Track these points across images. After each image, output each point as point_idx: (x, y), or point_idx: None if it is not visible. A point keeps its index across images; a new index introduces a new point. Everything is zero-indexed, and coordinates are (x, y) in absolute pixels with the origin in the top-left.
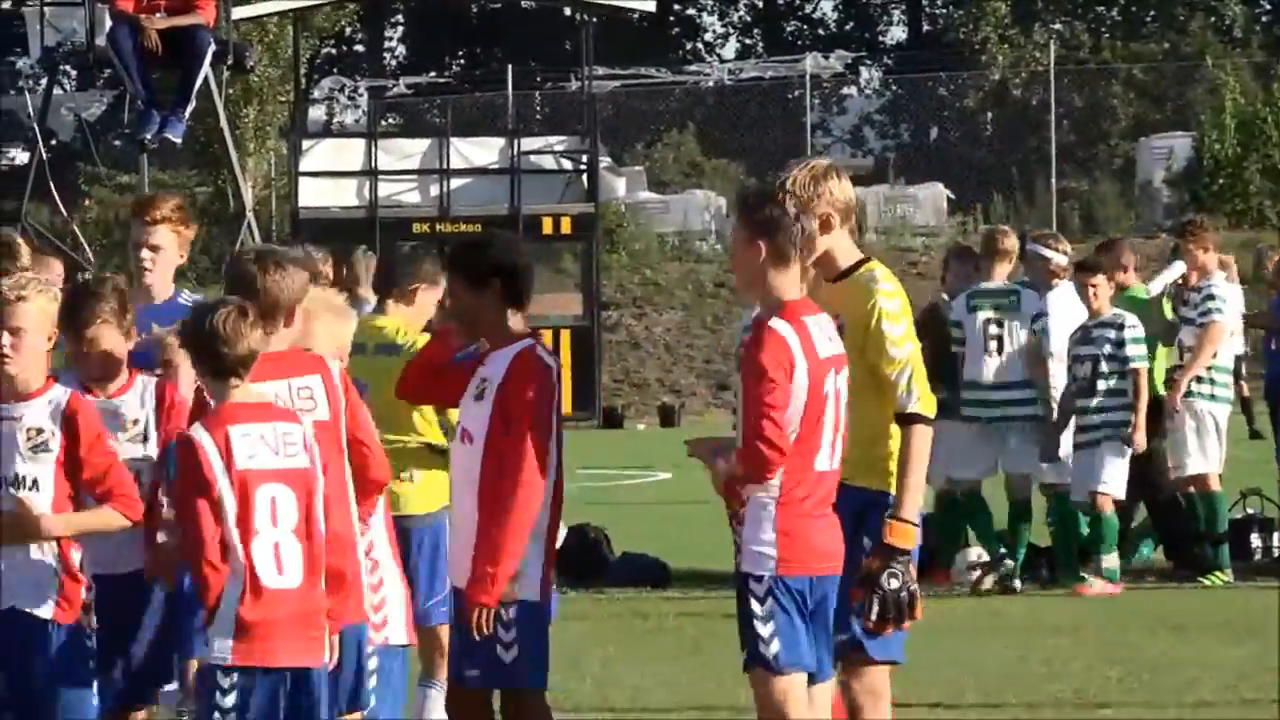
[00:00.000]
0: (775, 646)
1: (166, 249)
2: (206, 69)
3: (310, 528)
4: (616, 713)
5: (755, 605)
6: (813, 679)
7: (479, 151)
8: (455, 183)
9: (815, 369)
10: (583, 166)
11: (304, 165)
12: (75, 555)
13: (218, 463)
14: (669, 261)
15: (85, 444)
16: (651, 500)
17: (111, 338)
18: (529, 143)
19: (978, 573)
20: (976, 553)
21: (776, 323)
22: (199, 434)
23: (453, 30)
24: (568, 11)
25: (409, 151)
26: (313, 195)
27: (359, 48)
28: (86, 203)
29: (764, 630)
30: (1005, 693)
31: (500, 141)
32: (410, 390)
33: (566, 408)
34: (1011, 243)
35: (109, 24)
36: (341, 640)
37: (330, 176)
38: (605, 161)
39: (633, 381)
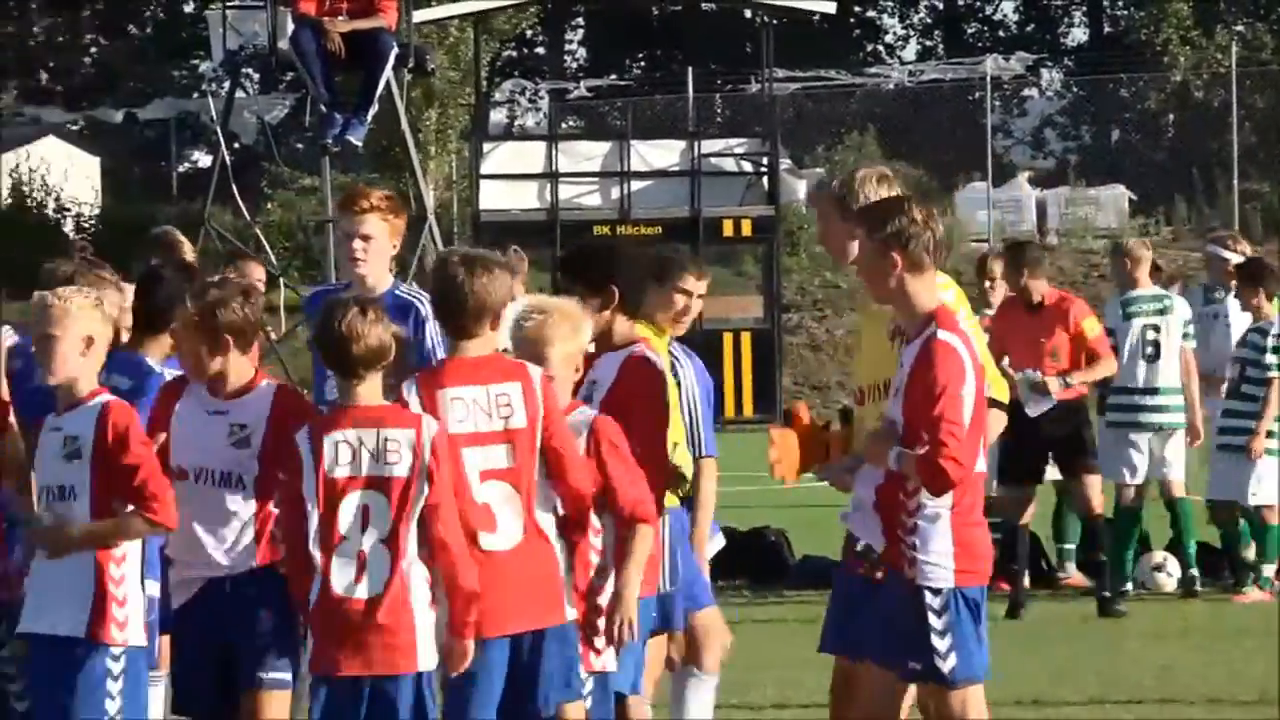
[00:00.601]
0: (952, 660)
1: (378, 238)
2: (388, 72)
3: (401, 536)
4: (795, 711)
5: (933, 619)
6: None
7: (659, 154)
8: (635, 185)
9: (978, 375)
10: (763, 169)
11: (485, 168)
12: (117, 570)
13: (308, 466)
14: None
15: (113, 447)
16: (831, 503)
17: (192, 342)
18: (709, 145)
19: (1162, 575)
20: (1162, 555)
21: (945, 335)
22: (299, 437)
23: (633, 32)
24: (748, 14)
25: (589, 154)
26: (494, 198)
27: (540, 50)
28: (269, 205)
29: (941, 644)
30: (1190, 693)
31: (681, 144)
32: None
33: (747, 409)
34: (1146, 251)
35: (291, 27)
36: (544, 638)
37: (511, 179)
38: (786, 164)
39: (813, 384)
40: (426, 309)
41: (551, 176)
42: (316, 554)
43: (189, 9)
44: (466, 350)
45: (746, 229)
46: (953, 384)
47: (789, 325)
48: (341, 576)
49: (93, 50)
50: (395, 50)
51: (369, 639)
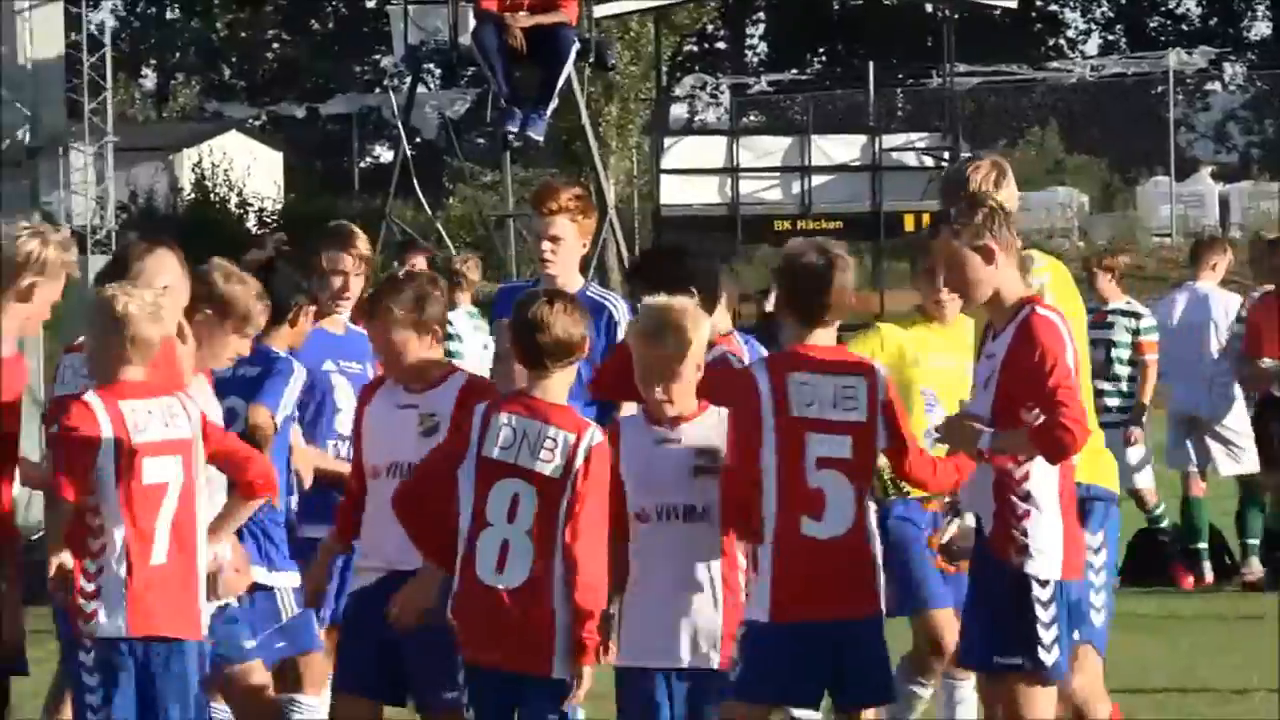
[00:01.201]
0: (1055, 654)
1: (567, 239)
2: (569, 67)
3: (545, 532)
4: None
5: (1040, 610)
6: None
7: (840, 148)
8: (816, 180)
9: (1075, 353)
10: (944, 163)
11: (666, 163)
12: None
13: (473, 440)
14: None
15: (204, 431)
16: None
17: (401, 334)
18: (890, 139)
19: None
20: None
21: (1041, 310)
22: (476, 409)
23: (814, 27)
24: (929, 8)
25: (770, 149)
26: (674, 193)
27: (721, 45)
28: (450, 200)
29: (1047, 636)
30: None
31: (862, 138)
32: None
33: None
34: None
35: (473, 22)
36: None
37: (692, 174)
38: (967, 158)
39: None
40: (621, 310)
41: (732, 171)
42: (464, 534)
43: (371, 4)
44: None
45: (928, 223)
46: (1061, 353)
47: None
48: (484, 562)
49: (275, 45)
50: (576, 45)
51: (507, 631)
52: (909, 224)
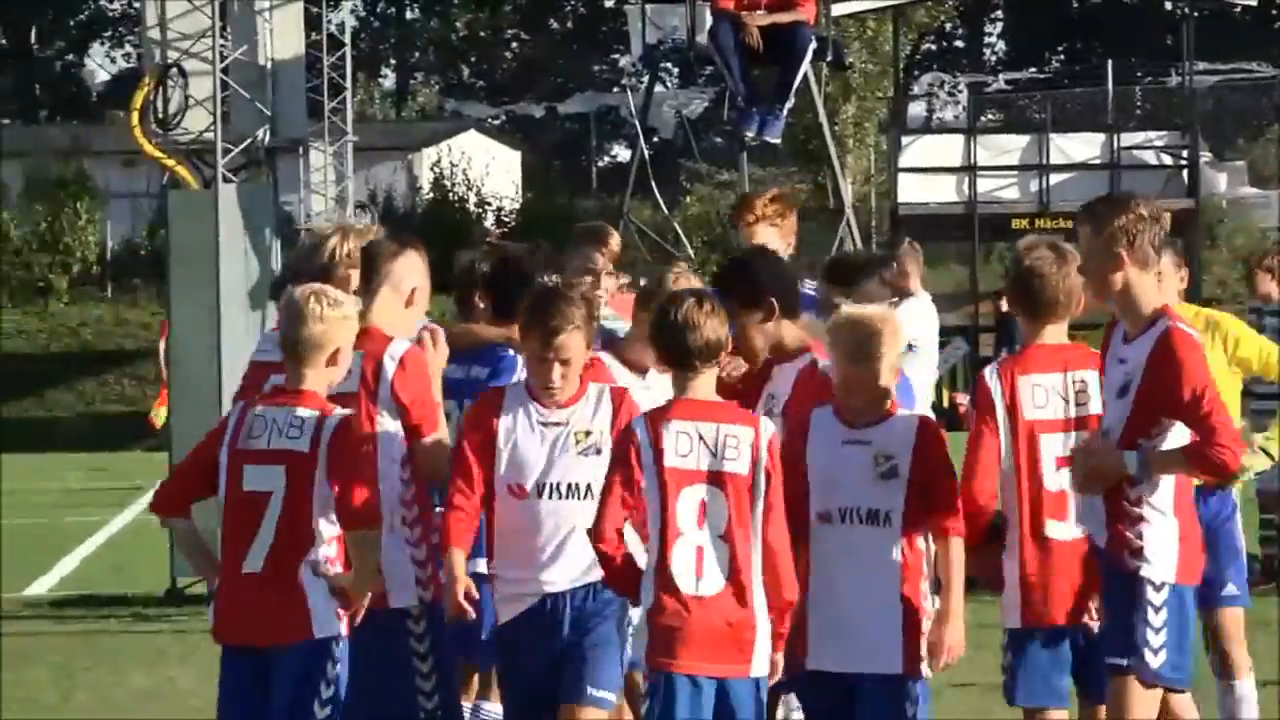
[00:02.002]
0: (1162, 658)
1: (770, 244)
2: (806, 66)
3: (740, 532)
4: None
5: (1151, 613)
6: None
7: (1078, 146)
8: (1054, 178)
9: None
10: (1183, 161)
11: (903, 161)
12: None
13: (647, 455)
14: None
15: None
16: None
17: (577, 346)
18: (1128, 138)
19: None
20: None
21: (1182, 325)
22: (635, 425)
23: (1053, 25)
24: (1169, 5)
25: (1008, 147)
26: (912, 191)
27: (959, 43)
28: (687, 199)
29: (1155, 640)
30: None
31: (1100, 136)
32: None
33: None
34: None
35: (710, 21)
36: None
37: (930, 173)
38: (1206, 156)
39: None
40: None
41: (970, 169)
42: (655, 546)
43: (609, 3)
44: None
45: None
46: (1206, 370)
47: None
48: (682, 571)
49: (514, 45)
50: (813, 44)
51: (714, 638)
52: None
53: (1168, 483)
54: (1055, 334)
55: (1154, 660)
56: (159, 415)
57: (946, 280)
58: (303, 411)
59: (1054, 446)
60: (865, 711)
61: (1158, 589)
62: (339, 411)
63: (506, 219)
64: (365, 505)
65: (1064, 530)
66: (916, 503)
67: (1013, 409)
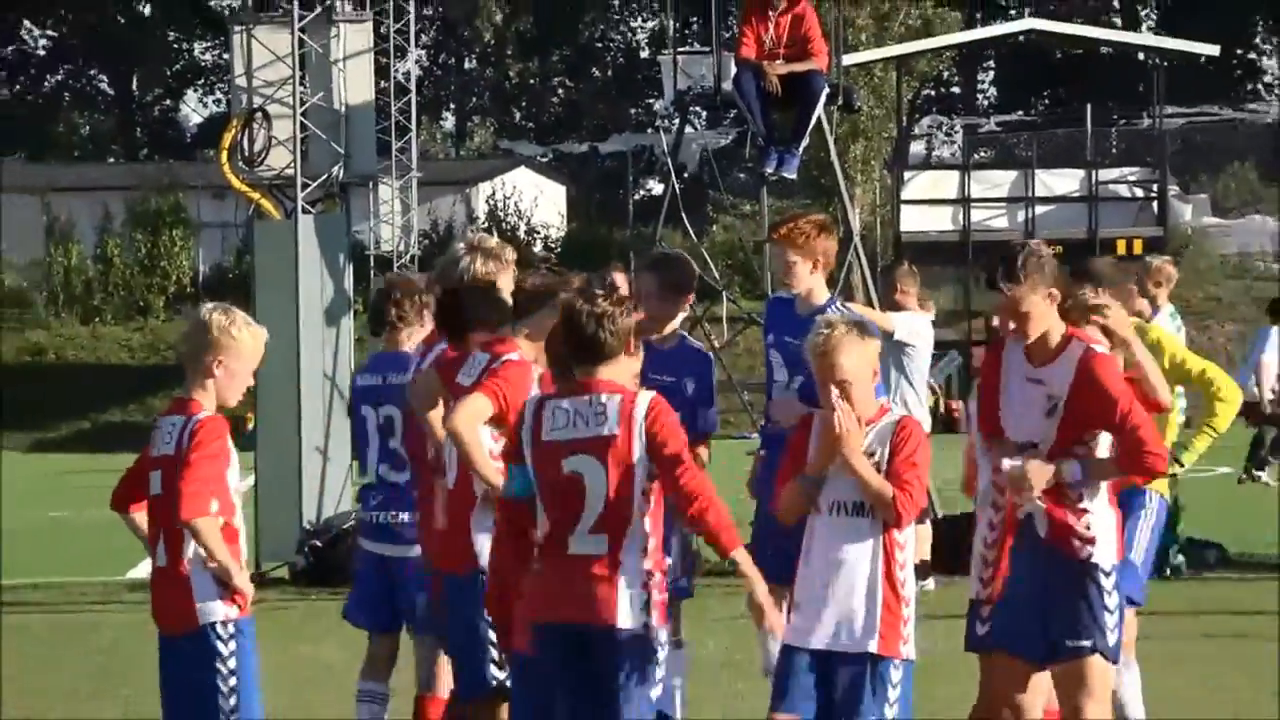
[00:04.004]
0: (1115, 637)
1: (798, 261)
2: (819, 109)
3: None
4: None
5: (1106, 598)
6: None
7: (1061, 181)
8: (1040, 209)
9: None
10: (1153, 194)
11: (905, 194)
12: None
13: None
14: (1229, 279)
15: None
16: (1213, 489)
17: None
18: (1105, 174)
19: None
20: None
21: (1098, 348)
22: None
23: (1039, 74)
24: (1141, 56)
25: (998, 181)
26: (913, 221)
27: (955, 89)
28: (713, 228)
29: (1110, 621)
30: None
31: (1080, 172)
32: None
33: None
34: None
35: (734, 70)
36: None
37: (928, 204)
38: (1174, 189)
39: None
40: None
41: (964, 201)
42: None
43: (645, 54)
44: None
45: (1138, 248)
46: (1126, 387)
47: None
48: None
49: (560, 91)
50: (826, 90)
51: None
52: (1121, 247)
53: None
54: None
55: (1111, 638)
56: (251, 420)
57: (943, 299)
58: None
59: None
60: (842, 689)
61: (1108, 575)
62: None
63: (553, 245)
64: None
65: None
66: (900, 494)
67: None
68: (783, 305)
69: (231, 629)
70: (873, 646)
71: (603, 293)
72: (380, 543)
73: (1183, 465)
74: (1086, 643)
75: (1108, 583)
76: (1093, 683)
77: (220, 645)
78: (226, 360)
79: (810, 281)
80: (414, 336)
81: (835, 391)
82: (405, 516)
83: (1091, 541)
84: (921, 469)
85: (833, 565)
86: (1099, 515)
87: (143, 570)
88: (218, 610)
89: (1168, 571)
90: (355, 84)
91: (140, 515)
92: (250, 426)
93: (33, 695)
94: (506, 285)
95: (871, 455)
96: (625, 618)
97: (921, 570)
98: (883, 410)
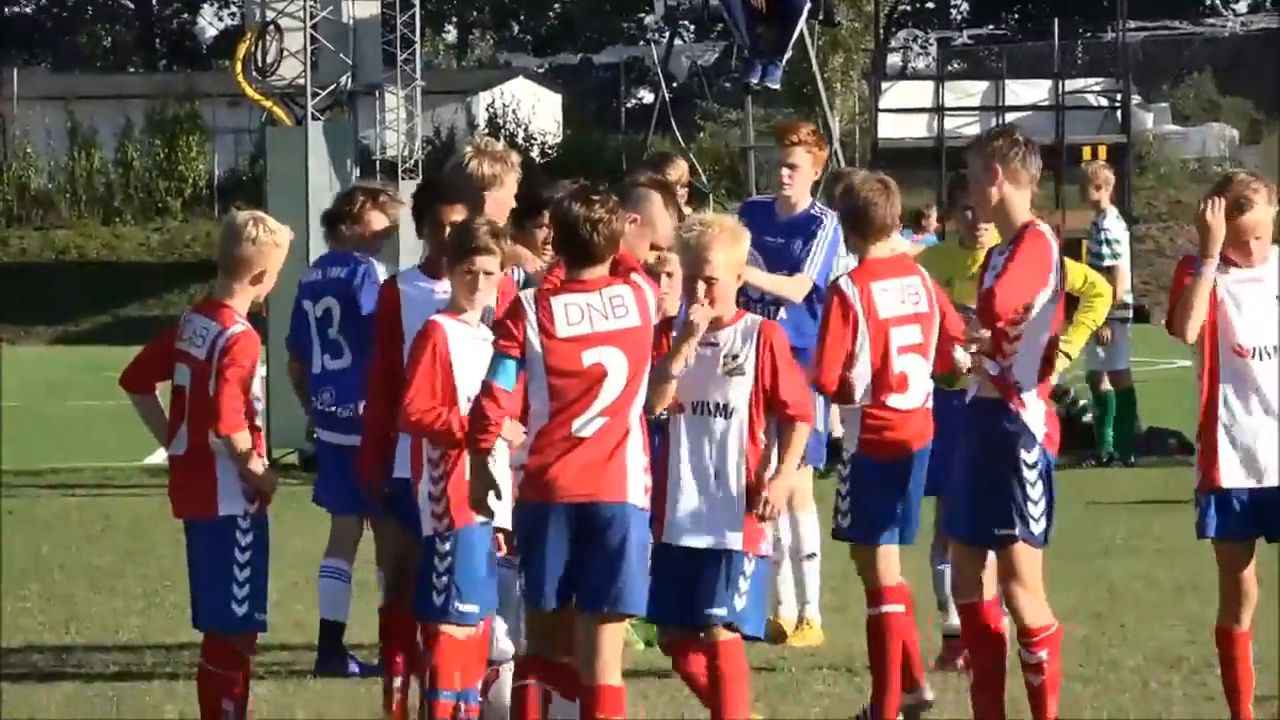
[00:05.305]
0: (1043, 525)
1: (803, 167)
2: (801, 24)
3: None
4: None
5: (1030, 489)
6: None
7: (1030, 91)
8: (1010, 117)
9: (1061, 264)
10: (1117, 104)
11: (882, 103)
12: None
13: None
14: (1191, 183)
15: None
16: (1172, 382)
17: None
18: (1072, 84)
19: None
20: None
21: (1040, 227)
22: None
23: None
24: None
25: (971, 91)
26: (890, 129)
27: (930, 4)
28: (700, 135)
29: (1036, 510)
30: None
31: (1048, 83)
32: None
33: None
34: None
35: None
36: None
37: (905, 113)
38: (1136, 99)
39: (1160, 284)
40: (831, 221)
41: (938, 110)
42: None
43: None
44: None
45: (1103, 154)
46: (1032, 256)
47: (1138, 234)
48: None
49: (556, 5)
50: (808, 5)
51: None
52: (1087, 154)
53: (1031, 369)
54: (883, 249)
55: (1037, 527)
56: (263, 309)
57: (918, 201)
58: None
59: (899, 337)
60: (700, 583)
61: (1031, 467)
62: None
63: (549, 151)
64: None
65: (903, 401)
66: (759, 397)
67: (868, 308)
68: (761, 207)
69: (249, 523)
70: (734, 543)
71: (597, 197)
72: (335, 433)
73: (1070, 357)
74: (1012, 530)
75: (1031, 475)
76: (1021, 571)
77: (239, 535)
78: (267, 268)
79: (805, 185)
80: (362, 237)
81: (701, 287)
82: (356, 407)
83: (1016, 418)
84: (798, 369)
85: (694, 464)
86: (1030, 405)
87: (160, 456)
88: (238, 503)
89: (1131, 459)
90: None
91: (151, 399)
92: (263, 314)
93: (55, 574)
94: (511, 187)
95: (735, 356)
96: (636, 494)
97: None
98: (740, 314)
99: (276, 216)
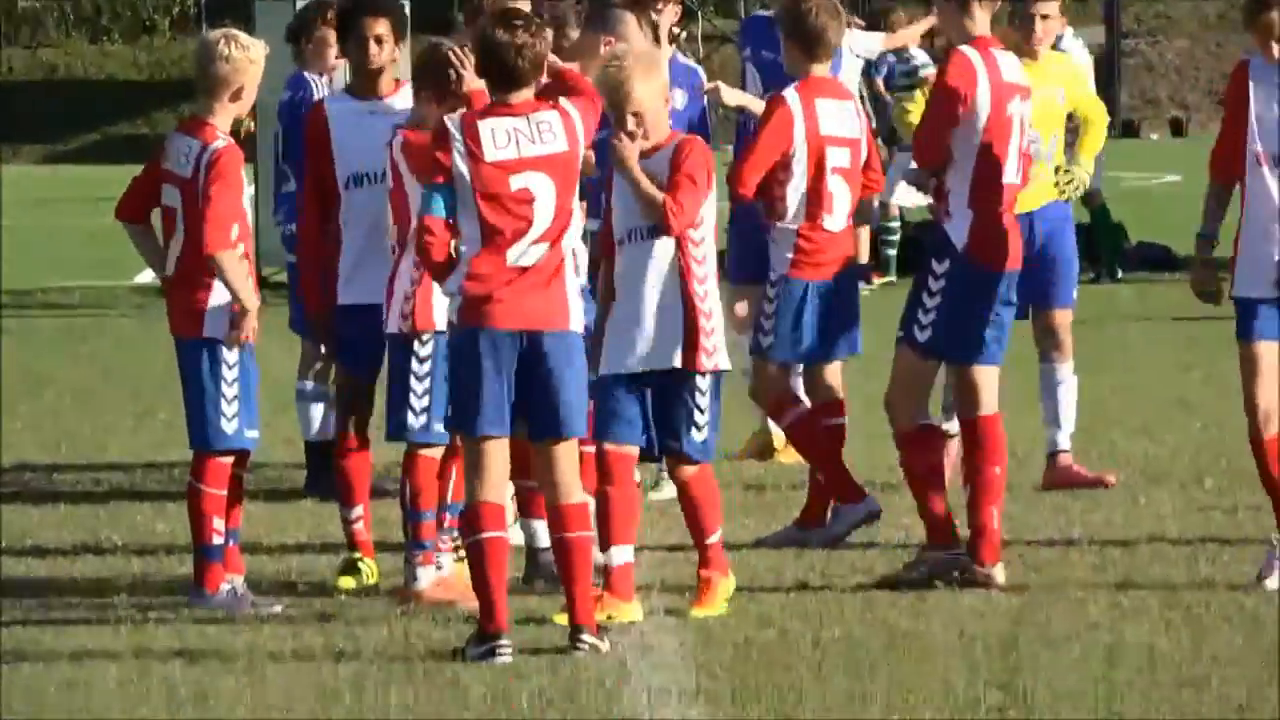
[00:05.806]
0: (930, 332)
1: None
2: None
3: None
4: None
5: (927, 298)
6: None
7: None
8: None
9: (997, 90)
10: None
11: None
12: None
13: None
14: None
15: None
16: (1162, 197)
17: None
18: None
19: None
20: None
21: (964, 49)
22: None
23: None
24: None
25: None
26: None
27: None
28: None
29: (925, 318)
30: None
31: None
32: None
33: None
34: None
35: None
36: None
37: None
38: None
39: (1147, 98)
40: None
41: None
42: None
43: None
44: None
45: None
46: (949, 82)
47: (1127, 50)
48: None
49: None
50: None
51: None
52: None
53: (962, 183)
54: (823, 70)
55: (921, 334)
56: (251, 127)
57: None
58: None
59: (834, 158)
60: (655, 407)
61: (939, 277)
62: None
63: None
64: None
65: (832, 222)
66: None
67: (810, 122)
68: (762, 21)
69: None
70: (678, 361)
71: (520, 20)
72: (292, 254)
73: (1084, 183)
74: (900, 332)
75: (935, 284)
76: (899, 371)
77: (226, 354)
78: (245, 84)
79: None
80: (318, 55)
81: (631, 121)
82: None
83: (940, 230)
84: (698, 180)
85: (635, 289)
86: (955, 215)
87: (146, 276)
88: (225, 327)
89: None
90: None
91: (147, 227)
92: (251, 130)
93: (43, 390)
94: None
95: (657, 176)
96: (575, 321)
97: (861, 274)
98: (672, 135)
99: (265, 31)
